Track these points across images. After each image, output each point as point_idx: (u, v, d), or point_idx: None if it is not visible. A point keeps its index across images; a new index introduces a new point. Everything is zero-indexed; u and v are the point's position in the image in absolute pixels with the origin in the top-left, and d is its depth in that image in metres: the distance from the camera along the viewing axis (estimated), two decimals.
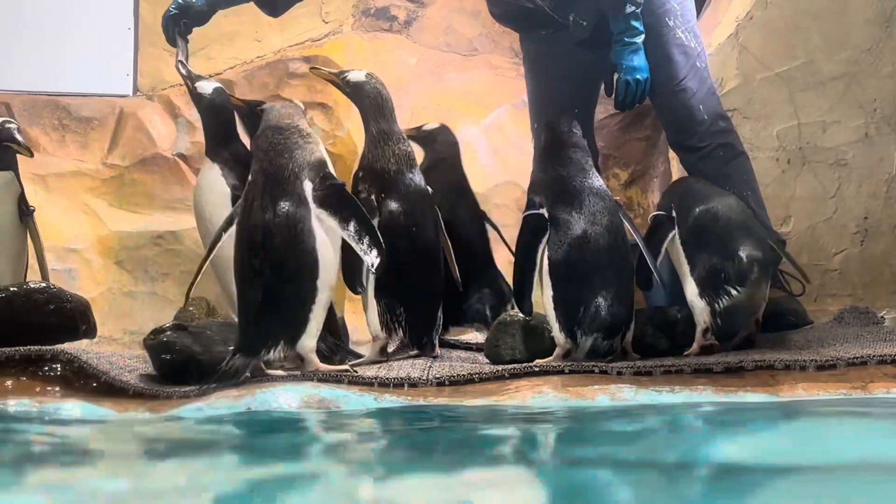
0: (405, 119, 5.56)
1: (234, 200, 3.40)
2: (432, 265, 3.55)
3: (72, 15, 5.75)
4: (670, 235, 3.47)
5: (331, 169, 3.29)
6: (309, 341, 3.15)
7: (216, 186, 3.59)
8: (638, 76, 3.74)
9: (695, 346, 3.35)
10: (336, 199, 3.19)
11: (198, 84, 3.71)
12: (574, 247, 3.26)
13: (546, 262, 3.29)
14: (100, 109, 5.58)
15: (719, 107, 3.98)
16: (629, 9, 3.67)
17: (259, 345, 3.12)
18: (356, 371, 3.16)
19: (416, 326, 3.50)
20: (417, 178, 3.57)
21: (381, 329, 3.48)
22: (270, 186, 3.19)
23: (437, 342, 3.57)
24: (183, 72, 3.73)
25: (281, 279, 3.12)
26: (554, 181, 3.40)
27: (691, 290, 3.38)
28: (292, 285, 3.13)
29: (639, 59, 3.74)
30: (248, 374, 3.08)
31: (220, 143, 3.67)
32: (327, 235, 3.17)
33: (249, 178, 3.26)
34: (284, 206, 3.15)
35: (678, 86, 3.82)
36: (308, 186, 3.19)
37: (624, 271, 3.32)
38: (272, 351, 3.13)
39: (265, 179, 3.21)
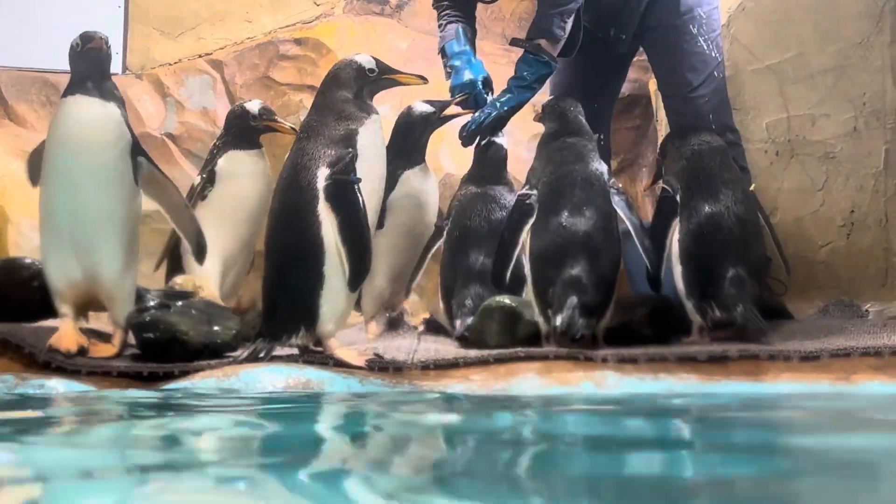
0: (396, 105, 5.54)
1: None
2: None
3: None
4: (673, 223, 3.42)
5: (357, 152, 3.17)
6: (325, 326, 3.11)
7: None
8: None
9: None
10: (336, 196, 3.09)
11: None
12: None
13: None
14: None
15: (730, 120, 4.03)
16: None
17: (280, 330, 3.10)
18: (382, 358, 3.13)
19: None
20: None
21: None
22: (292, 169, 3.16)
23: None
24: None
25: (285, 264, 3.11)
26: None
27: (681, 287, 3.36)
28: (297, 271, 3.09)
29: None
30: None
31: None
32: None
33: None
34: (294, 191, 3.12)
35: (691, 92, 3.91)
36: (323, 174, 3.10)
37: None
38: (294, 336, 3.09)
39: (291, 164, 3.17)
